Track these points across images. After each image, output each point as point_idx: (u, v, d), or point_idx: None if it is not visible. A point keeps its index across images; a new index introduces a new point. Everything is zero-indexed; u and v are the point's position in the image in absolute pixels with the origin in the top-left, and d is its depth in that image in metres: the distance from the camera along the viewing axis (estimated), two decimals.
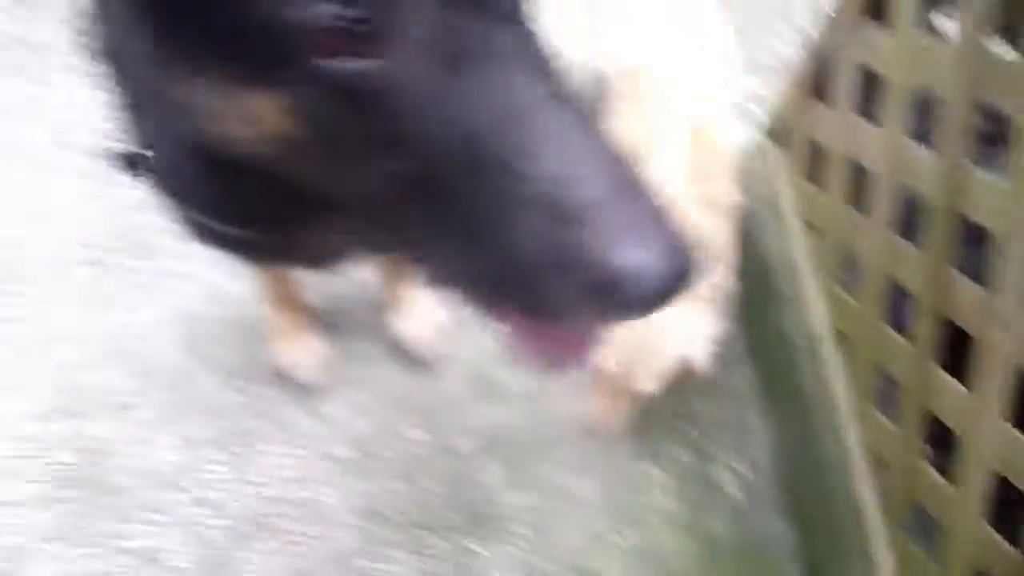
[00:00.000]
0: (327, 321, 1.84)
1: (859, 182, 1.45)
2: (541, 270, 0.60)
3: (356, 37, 0.58)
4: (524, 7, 0.65)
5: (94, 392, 1.76)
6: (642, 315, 0.62)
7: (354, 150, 0.65)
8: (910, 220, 1.32)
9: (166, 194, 1.11)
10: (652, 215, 0.61)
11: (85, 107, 1.97)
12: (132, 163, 1.15)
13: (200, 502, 1.66)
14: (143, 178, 1.16)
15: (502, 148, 0.59)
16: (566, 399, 1.80)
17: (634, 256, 0.58)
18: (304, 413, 1.77)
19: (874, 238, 1.40)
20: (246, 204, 0.92)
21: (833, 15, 1.48)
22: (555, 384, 1.81)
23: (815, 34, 1.55)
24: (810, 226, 1.64)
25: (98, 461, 1.69)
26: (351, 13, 0.57)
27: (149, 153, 1.07)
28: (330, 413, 1.77)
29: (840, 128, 1.49)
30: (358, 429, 1.76)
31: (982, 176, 1.15)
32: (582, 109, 0.63)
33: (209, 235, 1.13)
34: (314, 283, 1.82)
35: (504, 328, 0.72)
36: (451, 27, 0.59)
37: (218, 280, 1.89)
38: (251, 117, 0.65)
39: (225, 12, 0.59)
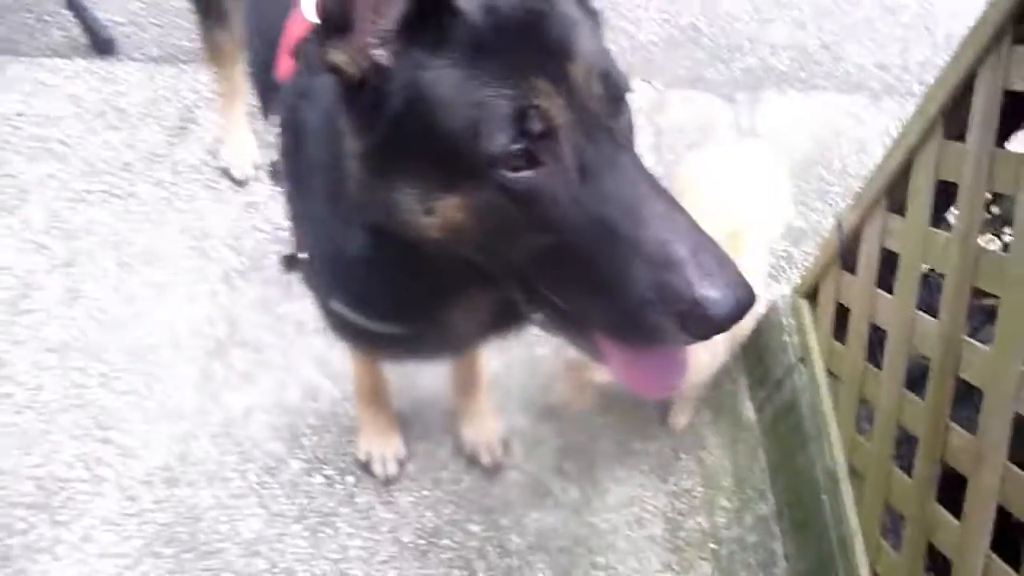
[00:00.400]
0: (406, 423, 2.11)
1: (875, 341, 1.72)
2: (649, 306, 0.86)
3: (525, 157, 0.88)
4: (632, 139, 0.97)
5: (196, 464, 2.02)
6: (721, 332, 0.86)
7: (511, 231, 0.93)
8: (916, 376, 1.58)
9: (321, 291, 1.41)
10: (724, 263, 0.86)
11: (217, 221, 2.35)
12: (291, 264, 1.46)
13: (280, 570, 1.89)
14: (298, 276, 1.48)
15: (623, 224, 0.87)
16: (609, 512, 2.03)
17: (714, 289, 0.84)
18: (379, 501, 2.01)
19: (886, 389, 1.65)
20: (398, 294, 1.21)
21: (861, 201, 1.79)
22: (599, 499, 2.05)
23: (846, 213, 1.85)
24: (833, 375, 1.89)
25: (192, 525, 1.95)
26: (524, 144, 0.87)
27: (305, 256, 1.39)
28: (401, 503, 2.02)
29: (862, 295, 1.77)
30: (425, 519, 2.00)
31: (974, 344, 1.41)
32: (672, 198, 0.92)
33: (349, 329, 1.42)
34: (398, 389, 2.10)
35: (615, 360, 0.99)
36: (589, 150, 0.89)
37: (315, 378, 2.17)
38: (442, 212, 0.94)
39: (438, 144, 0.91)
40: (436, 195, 0.94)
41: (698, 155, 2.25)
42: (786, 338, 2.07)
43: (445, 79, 0.90)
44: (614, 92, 0.93)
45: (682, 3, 3.16)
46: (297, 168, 1.31)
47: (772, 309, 2.15)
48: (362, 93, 0.94)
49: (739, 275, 0.87)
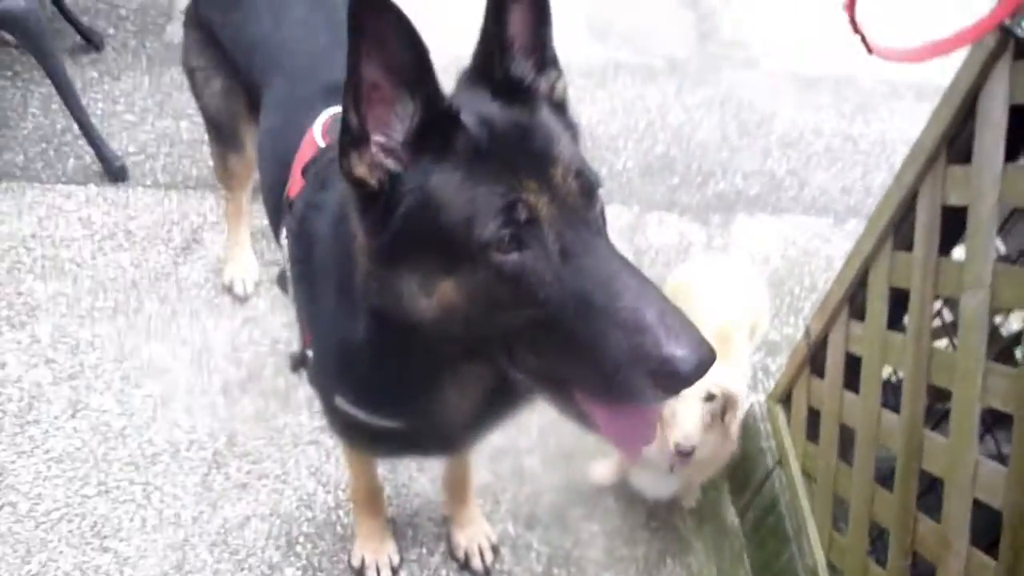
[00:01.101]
0: (399, 530, 2.17)
1: (846, 440, 1.82)
2: (624, 367, 0.97)
3: (513, 241, 1.01)
4: (604, 226, 1.11)
5: (192, 572, 2.06)
6: (687, 386, 0.97)
7: (499, 308, 1.05)
8: (886, 472, 1.68)
9: (325, 388, 1.52)
10: (687, 325, 0.98)
11: (218, 336, 2.46)
12: (299, 363, 1.58)
13: None
14: (304, 375, 1.59)
15: (598, 296, 0.99)
16: None
17: (680, 348, 0.95)
18: None
19: (858, 485, 1.74)
20: (396, 379, 1.31)
21: (825, 309, 1.93)
22: None
23: (813, 321, 1.99)
24: (809, 476, 1.99)
25: None
26: (511, 230, 1.01)
27: (310, 354, 1.50)
28: None
29: (830, 396, 1.88)
30: None
31: (933, 437, 1.52)
32: (637, 272, 1.03)
33: (351, 426, 1.51)
34: (392, 496, 2.16)
35: (597, 419, 1.08)
36: (568, 235, 1.02)
37: (311, 486, 2.23)
38: (440, 294, 1.07)
39: (439, 235, 1.05)
40: (435, 280, 1.07)
41: (686, 266, 2.45)
42: (764, 443, 2.17)
43: (448, 181, 1.05)
44: (587, 188, 1.07)
45: (657, 134, 3.38)
46: (306, 271, 1.45)
47: (750, 416, 2.26)
48: (376, 200, 1.08)
49: (700, 336, 0.98)
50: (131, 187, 2.88)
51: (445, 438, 1.51)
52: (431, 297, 1.08)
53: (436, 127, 1.06)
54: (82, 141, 2.90)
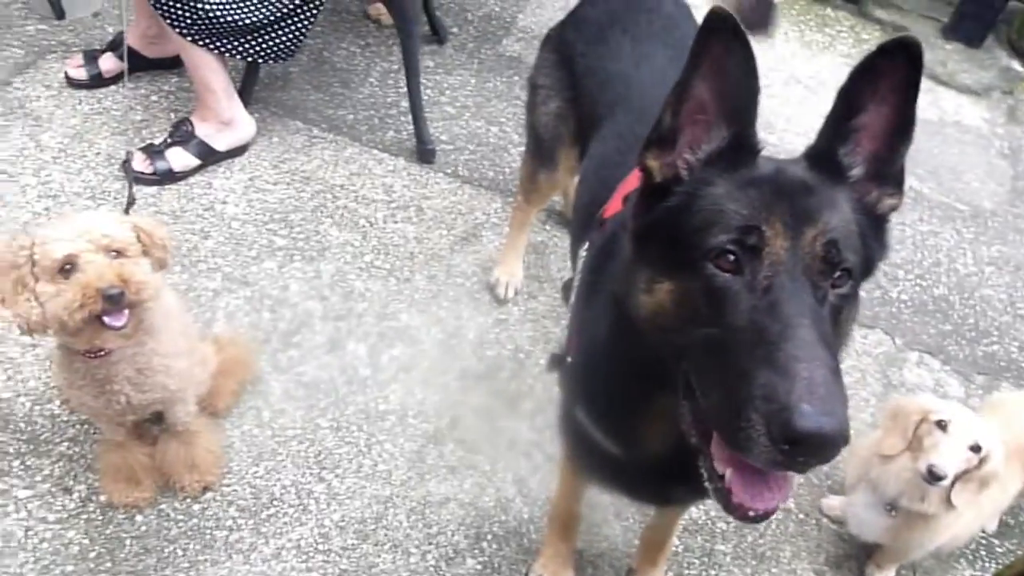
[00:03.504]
0: (580, 565, 2.21)
1: None
2: (749, 402, 0.96)
3: (732, 261, 1.05)
4: (841, 311, 1.10)
5: (387, 529, 2.19)
6: (797, 443, 0.92)
7: (693, 319, 1.09)
8: None
9: (570, 396, 1.62)
10: (833, 393, 0.94)
11: (470, 326, 2.59)
12: (556, 363, 1.69)
13: None
14: (557, 377, 1.70)
15: (766, 334, 0.99)
16: None
17: (807, 403, 0.92)
18: None
19: None
20: (618, 390, 1.39)
21: None
22: None
23: None
24: None
25: None
26: (735, 249, 1.05)
27: (569, 359, 1.60)
28: None
29: None
30: None
31: None
32: (818, 339, 1.00)
33: (579, 440, 1.60)
34: (582, 534, 2.20)
35: (726, 471, 1.09)
36: (783, 283, 1.03)
37: (512, 493, 2.32)
38: (656, 294, 1.14)
39: (678, 234, 1.12)
40: (658, 278, 1.14)
41: (1005, 395, 2.64)
42: None
43: (714, 191, 1.12)
44: (833, 258, 1.06)
45: (941, 277, 3.25)
46: (592, 282, 1.57)
47: None
48: (655, 190, 1.18)
49: (840, 410, 0.94)
50: (433, 171, 3.12)
51: (649, 481, 1.54)
52: (650, 295, 1.15)
53: (735, 152, 1.14)
54: (405, 118, 3.18)
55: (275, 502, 2.19)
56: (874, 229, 1.18)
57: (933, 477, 1.87)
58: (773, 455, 0.96)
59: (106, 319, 1.67)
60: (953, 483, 1.89)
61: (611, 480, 1.71)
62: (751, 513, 1.09)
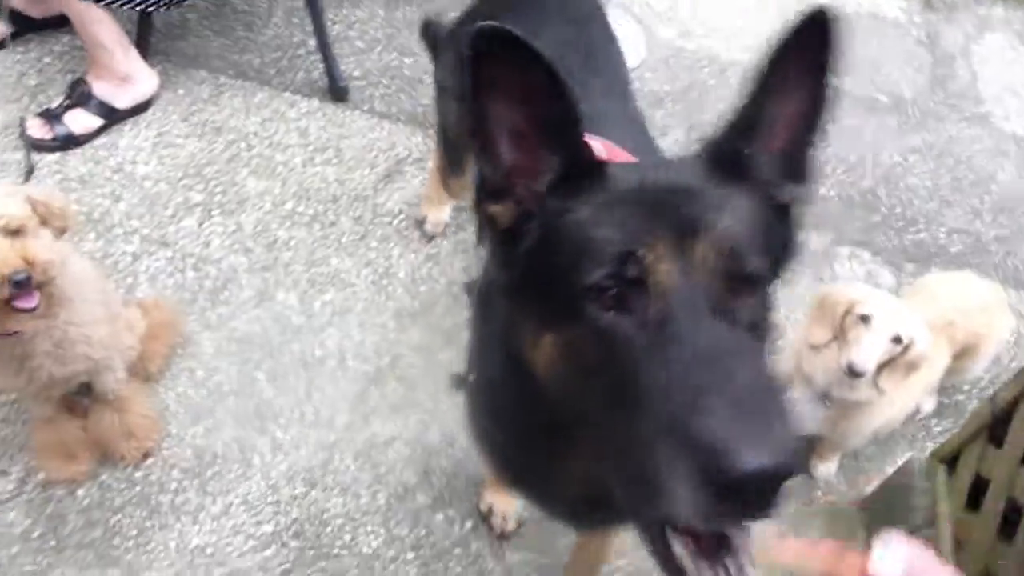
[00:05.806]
0: None
1: (1008, 517, 1.74)
2: (671, 457, 0.79)
3: (616, 298, 0.89)
4: (760, 329, 0.94)
5: (335, 474, 2.19)
6: (746, 494, 0.76)
7: (587, 372, 0.93)
8: None
9: (470, 416, 1.54)
10: (778, 418, 0.79)
11: (401, 264, 2.54)
12: (459, 383, 1.60)
13: None
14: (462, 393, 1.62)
15: (677, 377, 0.82)
16: None
17: (750, 438, 0.75)
18: (489, 552, 2.14)
19: (1017, 566, 1.67)
20: (518, 436, 1.30)
21: (1019, 381, 1.84)
22: None
23: (1002, 389, 1.90)
24: (959, 543, 1.91)
25: (319, 527, 2.12)
26: (615, 284, 0.89)
27: (471, 377, 1.51)
28: (509, 559, 2.12)
29: (1006, 469, 1.80)
30: None
31: None
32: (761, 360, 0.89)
33: (493, 455, 1.51)
34: None
35: (680, 541, 0.89)
36: (682, 316, 0.86)
37: (456, 427, 2.30)
38: (544, 347, 0.99)
39: (551, 277, 0.96)
40: (541, 331, 0.99)
41: (929, 276, 2.65)
42: (915, 500, 2.09)
43: (573, 219, 0.95)
44: (737, 274, 0.91)
45: (867, 170, 3.28)
46: (487, 296, 1.44)
47: (906, 470, 2.18)
48: (506, 236, 1.03)
49: (790, 437, 0.78)
50: (349, 109, 3.03)
51: (568, 509, 1.43)
52: (537, 349, 1.00)
53: (580, 174, 0.98)
54: (314, 57, 3.07)
55: (218, 460, 2.17)
56: (781, 219, 1.03)
57: (853, 374, 1.91)
58: (707, 505, 0.78)
59: (16, 303, 1.61)
60: (880, 370, 1.93)
61: (533, 500, 1.56)
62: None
